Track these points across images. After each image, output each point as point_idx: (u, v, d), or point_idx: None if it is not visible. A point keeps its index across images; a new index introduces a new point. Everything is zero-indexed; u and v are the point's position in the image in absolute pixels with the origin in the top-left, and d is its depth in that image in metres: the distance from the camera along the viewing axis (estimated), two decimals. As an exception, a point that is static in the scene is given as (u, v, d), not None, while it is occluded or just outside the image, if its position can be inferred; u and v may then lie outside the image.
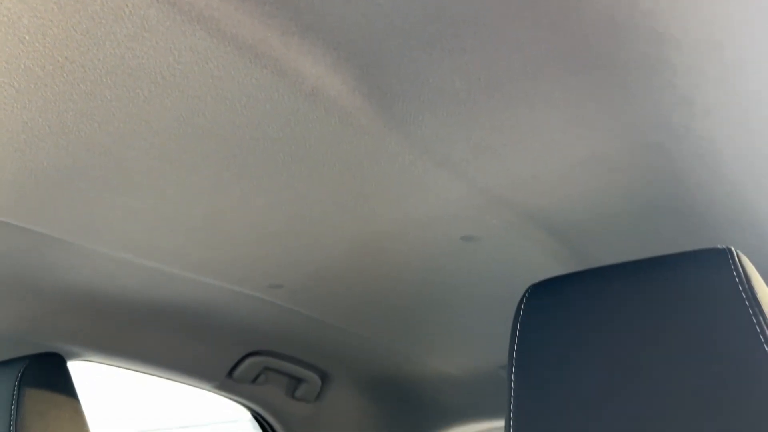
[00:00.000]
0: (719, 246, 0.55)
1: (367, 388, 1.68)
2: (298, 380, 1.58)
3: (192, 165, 0.76)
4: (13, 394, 0.90)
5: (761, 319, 0.50)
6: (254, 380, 1.51)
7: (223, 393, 1.54)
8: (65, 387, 0.98)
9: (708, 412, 0.49)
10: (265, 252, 1.01)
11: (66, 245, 0.93)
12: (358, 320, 1.37)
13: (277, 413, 1.64)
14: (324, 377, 1.61)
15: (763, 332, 0.50)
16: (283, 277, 1.11)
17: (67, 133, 0.67)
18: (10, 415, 0.89)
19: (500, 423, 1.84)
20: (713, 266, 0.54)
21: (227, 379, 1.47)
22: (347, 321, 1.36)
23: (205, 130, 0.69)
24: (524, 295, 0.62)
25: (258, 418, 1.70)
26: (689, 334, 0.52)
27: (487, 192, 0.84)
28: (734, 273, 0.53)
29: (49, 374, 0.96)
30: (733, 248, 0.55)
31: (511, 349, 0.59)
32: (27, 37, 0.55)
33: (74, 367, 1.24)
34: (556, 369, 0.56)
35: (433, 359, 1.58)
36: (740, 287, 0.52)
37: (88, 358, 1.26)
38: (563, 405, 0.55)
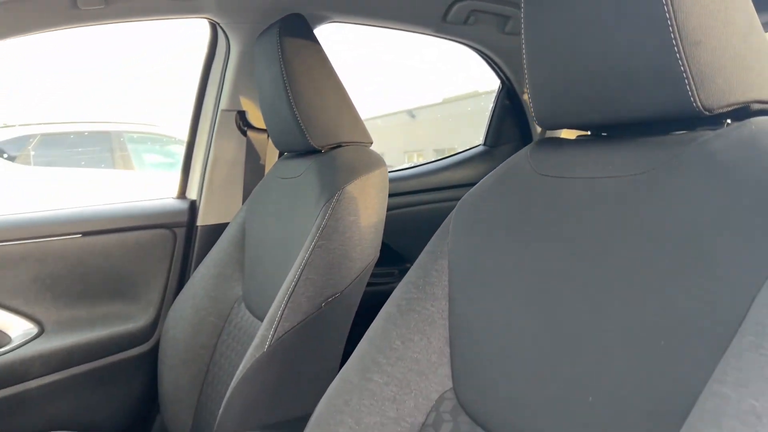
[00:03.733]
0: None
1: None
2: (505, 17, 1.84)
3: None
4: (277, 44, 1.37)
5: None
6: (465, 21, 1.81)
7: (444, 35, 1.89)
8: (311, 37, 1.41)
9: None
10: None
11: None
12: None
13: (493, 48, 1.96)
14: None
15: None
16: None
17: None
18: (279, 56, 1.36)
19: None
20: None
21: (443, 23, 1.80)
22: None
23: None
24: None
25: (481, 54, 2.04)
26: None
27: None
28: None
29: (297, 29, 1.39)
30: None
31: None
32: None
33: (321, 30, 1.69)
34: None
35: None
36: None
37: (332, 20, 1.69)
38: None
